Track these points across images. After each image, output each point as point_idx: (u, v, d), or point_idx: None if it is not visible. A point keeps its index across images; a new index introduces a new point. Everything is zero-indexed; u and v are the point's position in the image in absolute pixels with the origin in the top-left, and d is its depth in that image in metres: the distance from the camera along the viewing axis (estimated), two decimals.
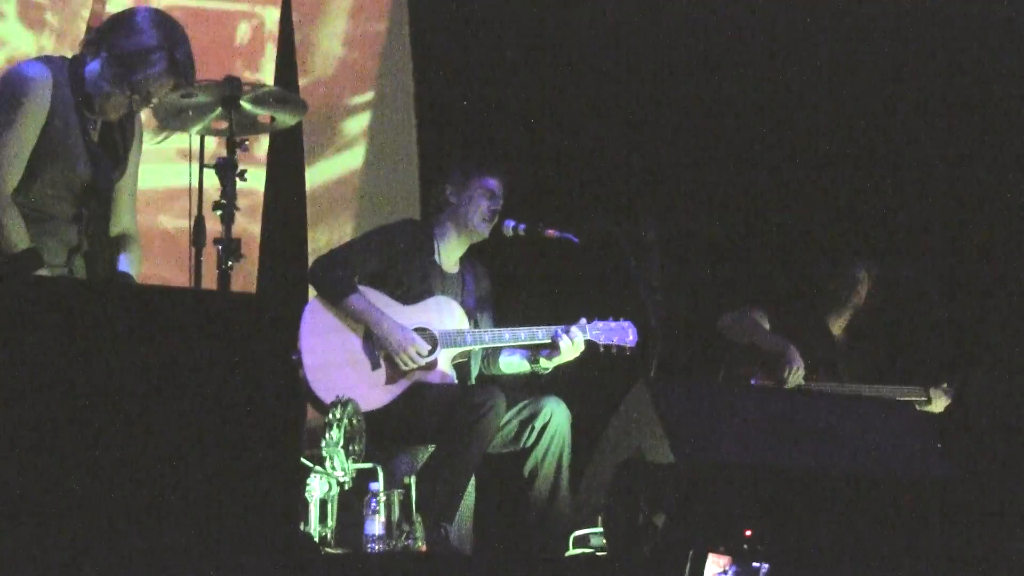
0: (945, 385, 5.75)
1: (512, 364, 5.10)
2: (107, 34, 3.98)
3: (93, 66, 3.98)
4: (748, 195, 6.61)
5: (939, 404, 5.72)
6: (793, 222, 6.56)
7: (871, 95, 6.53)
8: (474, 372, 5.11)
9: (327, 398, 4.52)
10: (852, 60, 6.52)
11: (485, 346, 5.04)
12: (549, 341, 4.96)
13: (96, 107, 4.01)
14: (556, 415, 4.83)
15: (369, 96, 6.48)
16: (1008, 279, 6.32)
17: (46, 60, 4.03)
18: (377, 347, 4.88)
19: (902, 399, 5.60)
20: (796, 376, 5.50)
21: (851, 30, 6.48)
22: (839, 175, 6.57)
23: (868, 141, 6.58)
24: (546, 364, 5.00)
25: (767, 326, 5.71)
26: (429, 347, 4.90)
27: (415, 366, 4.87)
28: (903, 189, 6.56)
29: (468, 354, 5.07)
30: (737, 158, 6.60)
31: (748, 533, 3.63)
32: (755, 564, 3.55)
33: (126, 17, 4.01)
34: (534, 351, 5.03)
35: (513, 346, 5.05)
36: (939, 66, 6.44)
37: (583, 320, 5.00)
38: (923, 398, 5.71)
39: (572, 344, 4.94)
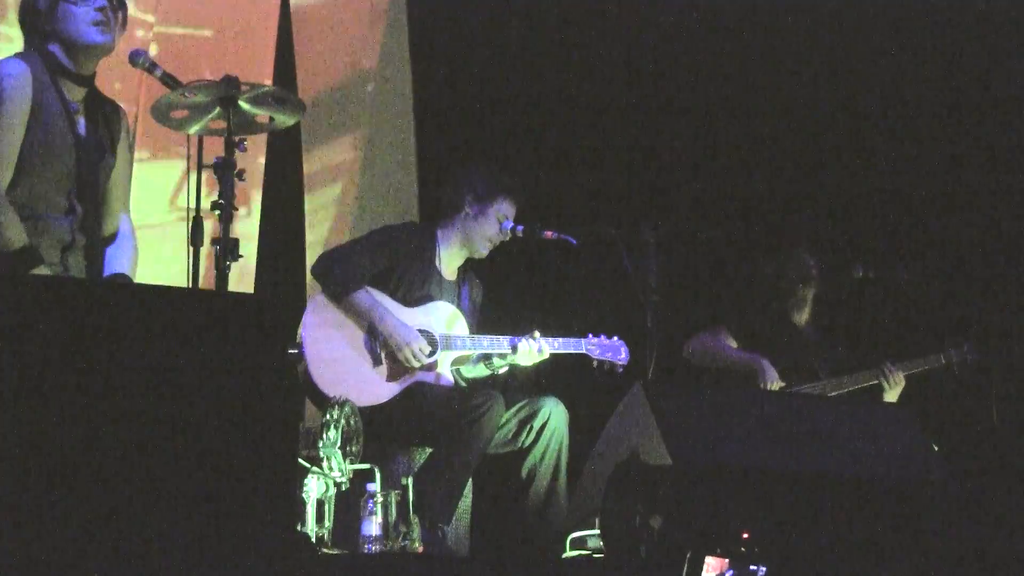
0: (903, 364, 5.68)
1: (472, 369, 5.12)
2: (29, 21, 4.08)
3: (53, 48, 4.05)
4: (746, 198, 6.64)
5: (897, 385, 5.63)
6: (790, 224, 6.58)
7: (867, 97, 6.59)
8: (460, 380, 5.13)
9: (329, 391, 4.57)
10: (849, 64, 6.58)
11: (483, 351, 5.05)
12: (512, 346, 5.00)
13: (92, 59, 4.08)
14: (554, 415, 4.86)
15: (367, 97, 6.50)
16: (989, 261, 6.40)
17: (21, 55, 4.07)
18: (380, 344, 4.90)
19: (862, 386, 5.63)
20: (773, 387, 5.51)
21: (847, 36, 6.54)
22: (834, 177, 6.62)
23: (867, 144, 6.63)
24: (500, 363, 5.04)
25: (733, 343, 5.72)
26: (430, 347, 4.93)
27: (417, 364, 4.88)
28: (901, 193, 6.60)
29: (464, 359, 5.08)
30: (736, 162, 6.64)
31: (745, 536, 3.63)
32: (752, 567, 3.55)
33: (25, 2, 4.12)
34: (487, 356, 5.07)
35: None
36: (932, 70, 6.52)
37: (538, 335, 5.00)
38: (876, 381, 5.65)
39: (530, 351, 4.96)
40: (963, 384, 5.72)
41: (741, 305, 5.97)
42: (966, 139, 6.50)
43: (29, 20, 4.09)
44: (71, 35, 4.03)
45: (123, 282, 4.11)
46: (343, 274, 4.89)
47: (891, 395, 5.64)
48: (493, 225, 5.08)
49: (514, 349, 4.97)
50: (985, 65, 6.49)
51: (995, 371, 5.61)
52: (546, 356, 5.02)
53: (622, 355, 5.13)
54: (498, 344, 5.01)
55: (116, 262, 4.17)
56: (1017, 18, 6.43)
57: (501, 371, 5.08)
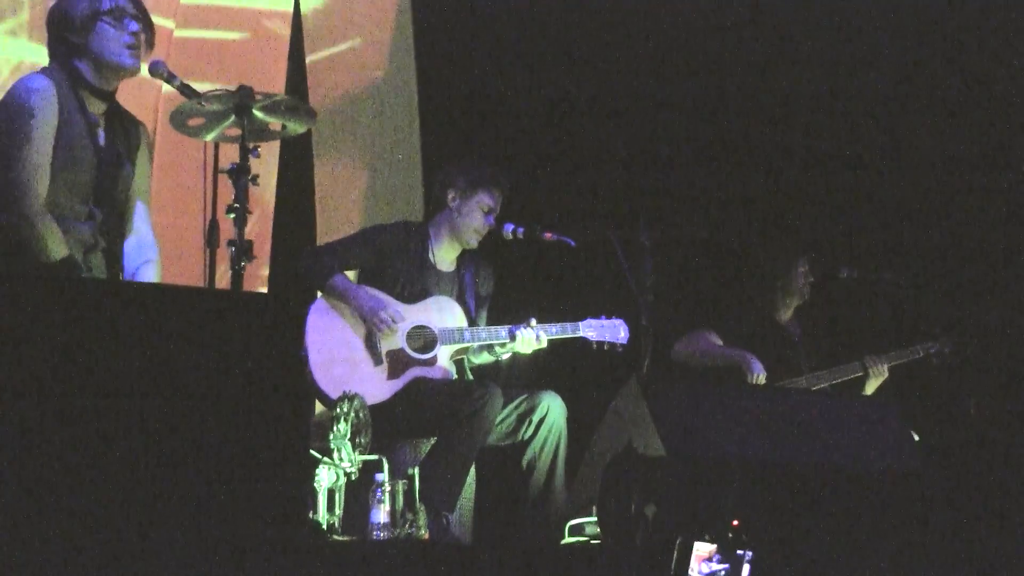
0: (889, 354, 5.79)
1: (479, 356, 5.21)
2: (59, 34, 4.13)
3: (79, 63, 4.11)
4: (738, 200, 6.65)
5: (878, 376, 5.73)
6: (782, 225, 6.59)
7: (859, 98, 6.58)
8: (467, 369, 5.22)
9: (332, 393, 4.64)
10: (839, 66, 6.57)
11: (482, 343, 5.14)
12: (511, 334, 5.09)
13: (118, 78, 4.16)
14: (553, 409, 4.94)
15: (374, 102, 6.52)
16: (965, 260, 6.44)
17: (45, 71, 4.14)
18: (380, 342, 4.98)
19: (844, 379, 5.72)
20: (759, 381, 5.57)
21: (838, 39, 6.53)
22: (822, 179, 6.62)
23: (858, 145, 6.63)
24: (501, 351, 5.13)
25: (719, 341, 5.77)
26: (402, 313, 4.98)
27: (393, 329, 4.94)
28: (897, 193, 6.61)
29: (465, 350, 5.17)
30: (729, 165, 6.63)
31: (734, 523, 3.67)
32: (739, 552, 3.60)
33: (56, 13, 4.16)
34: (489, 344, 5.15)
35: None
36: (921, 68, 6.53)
37: (534, 322, 5.09)
38: (860, 373, 5.75)
39: (525, 340, 5.05)
40: (940, 375, 5.81)
41: (728, 304, 6.01)
42: (950, 141, 6.50)
43: (59, 32, 4.14)
44: (103, 54, 4.10)
45: (144, 283, 4.18)
46: (319, 264, 5.00)
47: (871, 386, 5.74)
48: (477, 216, 5.18)
49: (512, 338, 5.06)
50: (972, 67, 6.49)
51: (972, 365, 5.72)
52: (544, 344, 5.09)
53: (621, 334, 5.19)
54: (496, 334, 5.09)
55: (142, 272, 4.25)
56: (1003, 23, 6.44)
57: (504, 356, 5.16)
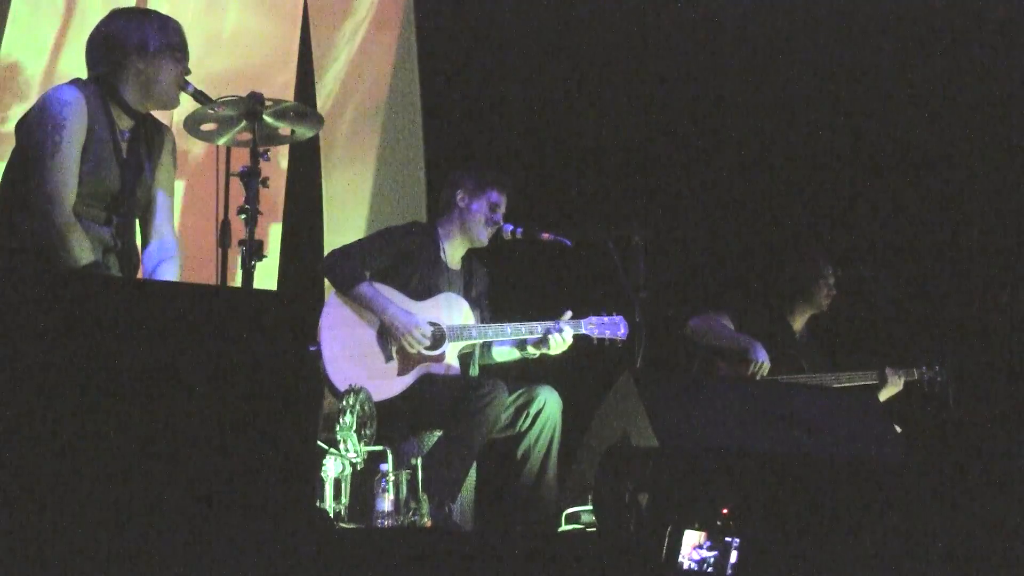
0: (911, 370, 5.90)
1: (503, 353, 5.32)
2: (117, 54, 4.21)
3: (123, 87, 4.20)
4: (729, 203, 6.74)
5: (893, 387, 5.85)
6: (771, 227, 6.69)
7: (846, 102, 6.66)
8: (476, 363, 5.32)
9: (343, 387, 4.67)
10: (830, 67, 6.63)
11: (488, 340, 5.25)
12: (543, 336, 5.18)
13: (156, 108, 4.26)
14: (549, 402, 5.05)
15: (380, 107, 6.62)
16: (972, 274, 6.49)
17: (77, 83, 4.22)
18: (390, 339, 5.07)
19: (858, 384, 5.79)
20: (762, 370, 5.65)
21: (830, 43, 6.59)
22: (810, 183, 6.71)
23: (842, 148, 6.71)
24: (534, 352, 5.23)
25: (732, 327, 5.84)
26: (432, 330, 5.09)
27: (420, 347, 5.06)
28: (878, 194, 6.68)
29: (472, 346, 5.27)
30: (718, 169, 6.72)
31: (724, 511, 3.69)
32: (727, 539, 3.62)
33: (123, 34, 4.24)
34: (523, 342, 5.25)
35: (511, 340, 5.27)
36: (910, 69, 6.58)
37: (569, 316, 5.18)
38: (876, 381, 5.84)
39: (563, 341, 5.16)
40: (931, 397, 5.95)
41: (746, 295, 6.10)
42: (944, 146, 6.57)
43: (121, 52, 4.18)
44: (159, 85, 4.20)
45: (161, 281, 4.24)
46: (348, 268, 5.08)
47: (883, 395, 5.83)
48: (485, 212, 5.29)
49: (545, 341, 5.14)
50: (971, 69, 6.53)
51: (961, 395, 5.85)
52: (569, 343, 5.17)
53: (621, 330, 5.27)
54: (501, 331, 5.17)
55: (161, 270, 4.33)
56: (1005, 27, 6.49)
57: (534, 356, 5.26)
